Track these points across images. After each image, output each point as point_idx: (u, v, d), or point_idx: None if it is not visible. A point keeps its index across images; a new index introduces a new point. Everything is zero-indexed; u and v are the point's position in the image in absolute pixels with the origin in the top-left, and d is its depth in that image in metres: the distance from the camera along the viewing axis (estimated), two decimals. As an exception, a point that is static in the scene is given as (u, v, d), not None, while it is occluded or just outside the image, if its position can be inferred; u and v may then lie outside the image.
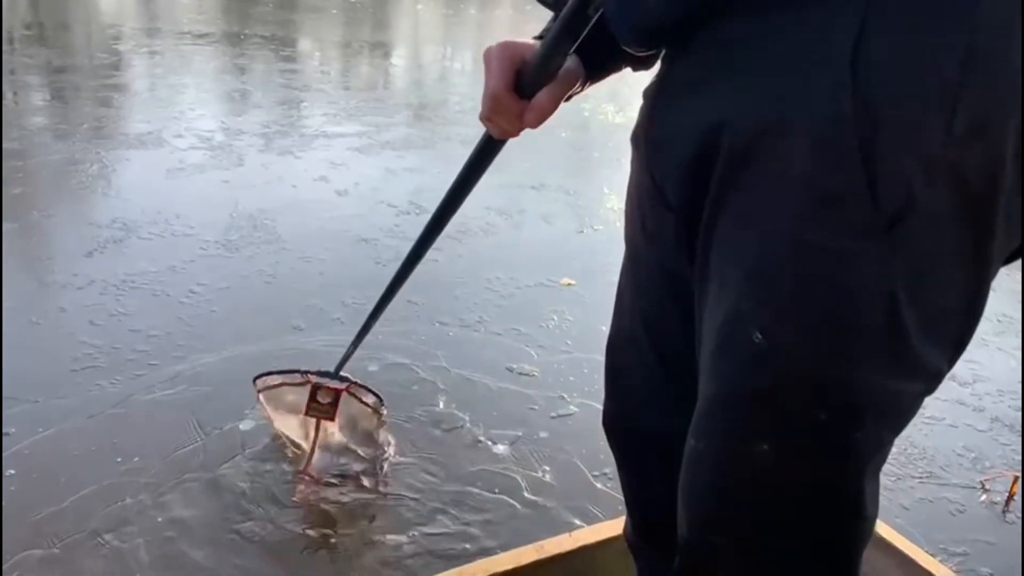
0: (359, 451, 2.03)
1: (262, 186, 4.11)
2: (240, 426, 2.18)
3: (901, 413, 0.81)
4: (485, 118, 1.03)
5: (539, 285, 3.30)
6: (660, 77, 0.92)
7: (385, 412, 2.08)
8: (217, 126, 5.09)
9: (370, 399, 2.00)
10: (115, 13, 10.18)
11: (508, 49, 0.98)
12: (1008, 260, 0.79)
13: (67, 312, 2.71)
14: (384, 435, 2.12)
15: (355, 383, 1.97)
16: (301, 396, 1.95)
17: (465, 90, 7.23)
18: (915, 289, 0.73)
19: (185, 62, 7.28)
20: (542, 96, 0.97)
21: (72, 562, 1.69)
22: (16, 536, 1.74)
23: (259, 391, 2.01)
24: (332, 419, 1.95)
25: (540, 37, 1.00)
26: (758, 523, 0.84)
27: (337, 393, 1.92)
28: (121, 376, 2.37)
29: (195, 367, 2.44)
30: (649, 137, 0.91)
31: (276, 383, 1.98)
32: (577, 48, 0.94)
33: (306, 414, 1.95)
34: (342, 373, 1.97)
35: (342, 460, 2.02)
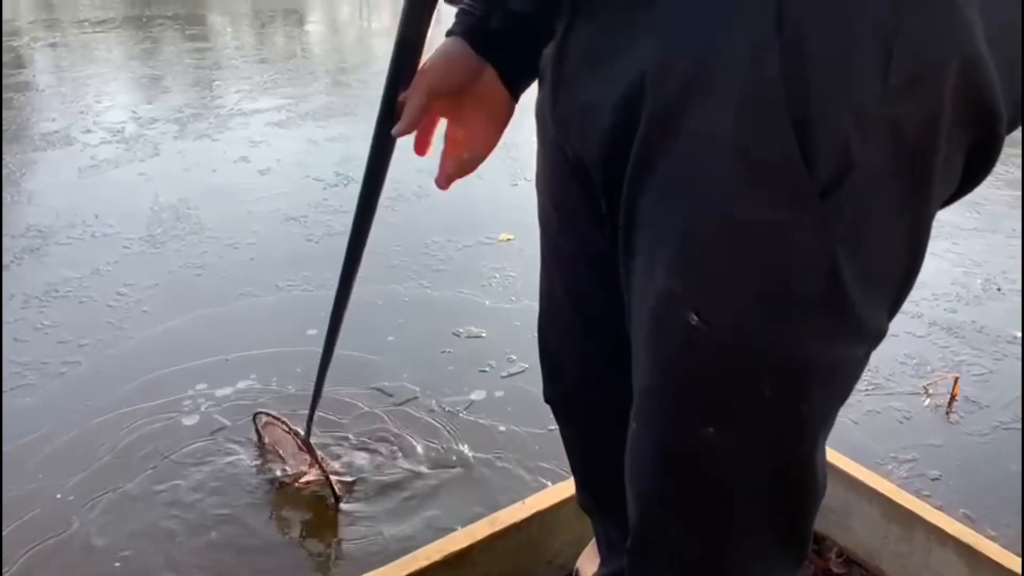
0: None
1: (181, 174, 3.96)
2: (184, 421, 2.13)
3: (848, 378, 0.79)
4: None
5: (478, 244, 3.27)
6: (559, 46, 0.85)
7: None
8: (128, 116, 4.89)
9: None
10: (8, 7, 9.65)
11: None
12: (945, 204, 0.76)
13: (-11, 331, 2.59)
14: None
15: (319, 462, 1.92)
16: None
17: (384, 49, 7.05)
18: (855, 252, 0.69)
19: (87, 52, 6.96)
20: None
21: None
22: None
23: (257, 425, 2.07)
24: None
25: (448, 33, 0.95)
26: (708, 503, 0.82)
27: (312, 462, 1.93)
28: (53, 390, 2.28)
29: (132, 371, 2.36)
30: (556, 115, 0.87)
31: (269, 422, 2.03)
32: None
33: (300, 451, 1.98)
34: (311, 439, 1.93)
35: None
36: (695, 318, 0.73)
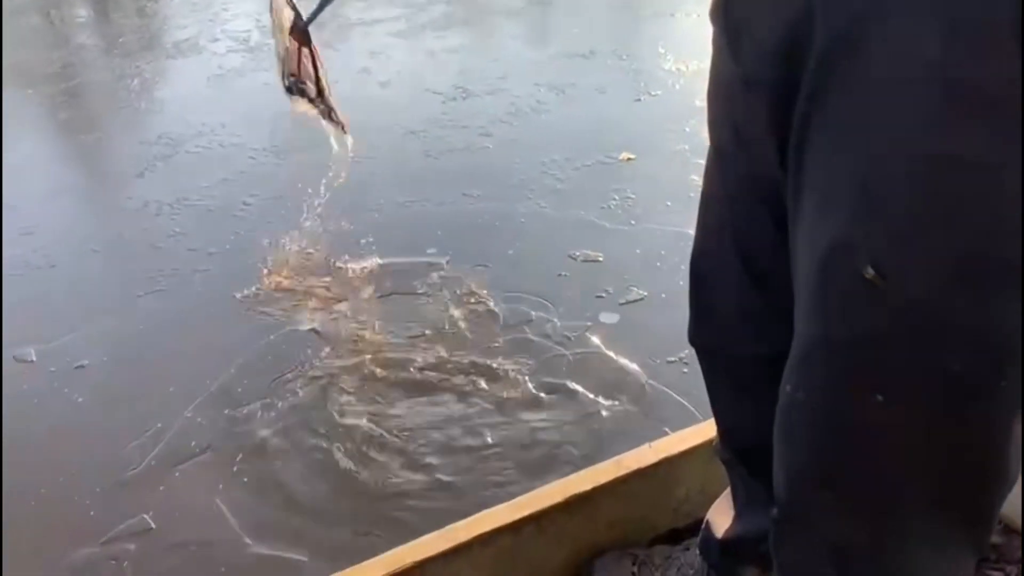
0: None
1: (304, 85, 3.98)
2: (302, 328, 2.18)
3: None
4: None
5: (597, 163, 3.15)
6: None
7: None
8: (252, 25, 4.93)
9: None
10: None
11: None
12: None
13: (125, 237, 2.70)
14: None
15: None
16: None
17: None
18: None
19: (214, -42, 7.02)
20: None
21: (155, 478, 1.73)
22: (84, 463, 1.78)
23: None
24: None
25: None
26: (870, 481, 0.73)
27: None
28: (186, 297, 2.37)
29: (253, 282, 2.42)
30: (729, 16, 0.76)
31: None
32: None
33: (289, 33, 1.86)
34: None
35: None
36: (871, 271, 0.64)
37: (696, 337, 1.04)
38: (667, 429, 1.72)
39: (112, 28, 5.20)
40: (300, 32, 1.67)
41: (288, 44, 1.74)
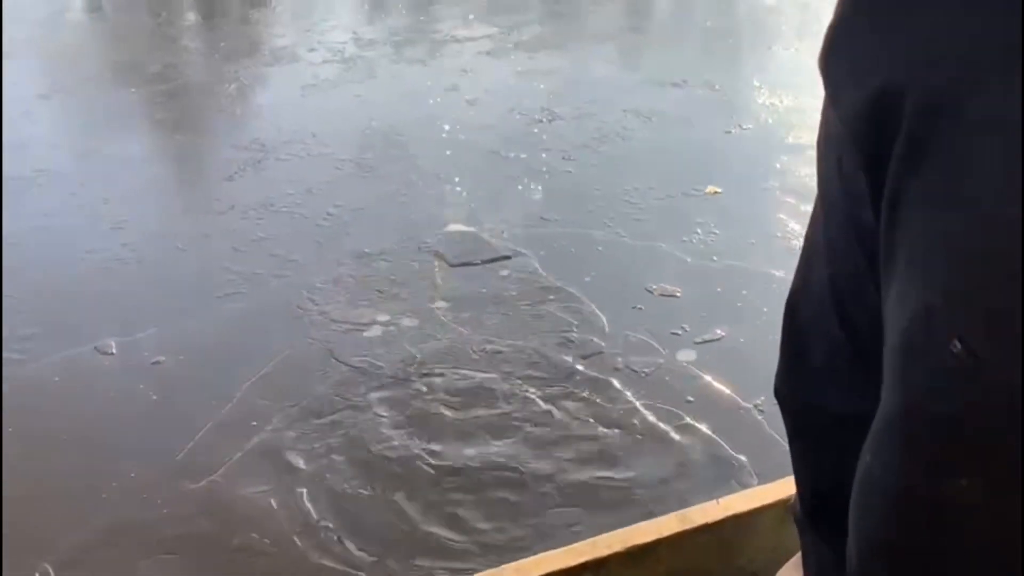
0: None
1: (394, 99, 4.04)
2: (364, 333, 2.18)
3: None
4: None
5: (681, 194, 3.09)
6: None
7: None
8: (349, 37, 5.04)
9: None
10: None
11: None
12: None
13: (210, 237, 2.77)
14: None
15: None
16: None
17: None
18: None
19: (317, -29, 7.24)
20: None
21: (217, 491, 1.75)
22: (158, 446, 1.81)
23: None
24: None
25: None
26: (944, 565, 0.68)
27: None
28: (258, 299, 2.41)
29: (326, 295, 2.44)
30: (829, 65, 0.73)
31: None
32: None
33: None
34: None
35: None
36: (958, 345, 0.59)
37: (783, 387, 0.98)
38: (735, 483, 1.65)
39: (215, 33, 5.39)
40: None
41: None
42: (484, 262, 2.59)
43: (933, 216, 0.61)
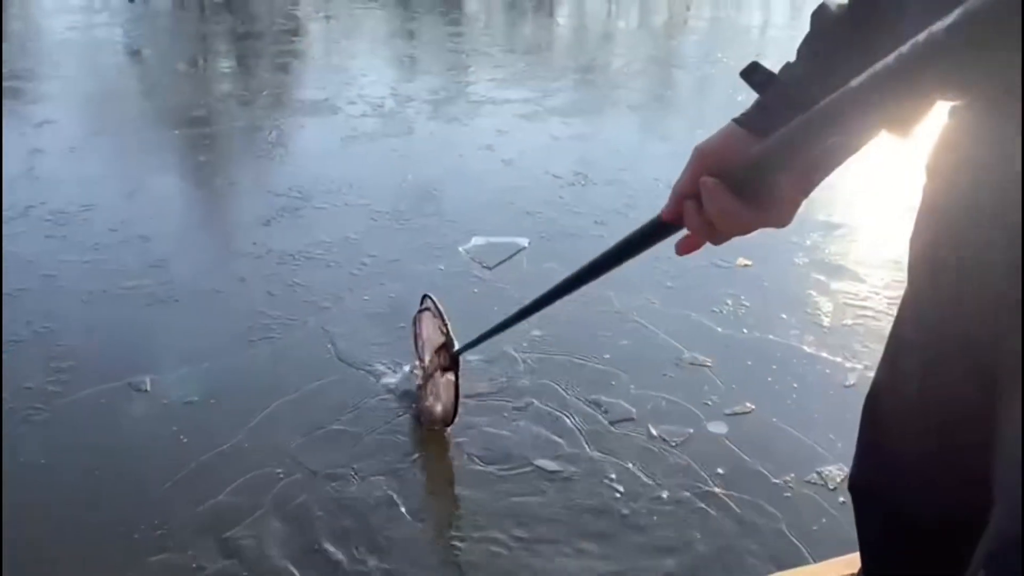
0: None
1: (430, 155, 4.12)
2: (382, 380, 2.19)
3: None
4: (692, 228, 0.85)
5: (712, 265, 3.11)
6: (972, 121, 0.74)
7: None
8: (388, 92, 5.16)
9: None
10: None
11: (713, 156, 0.81)
12: None
13: (246, 282, 2.81)
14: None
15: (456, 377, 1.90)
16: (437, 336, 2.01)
17: (631, 50, 6.98)
18: None
19: (357, 26, 7.45)
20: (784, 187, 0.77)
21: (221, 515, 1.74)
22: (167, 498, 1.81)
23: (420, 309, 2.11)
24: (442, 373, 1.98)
25: (741, 123, 0.84)
26: None
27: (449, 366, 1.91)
28: (290, 345, 2.43)
29: (360, 342, 2.46)
30: (947, 206, 0.75)
31: (429, 310, 2.07)
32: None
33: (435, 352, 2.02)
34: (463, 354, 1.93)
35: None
36: None
37: (862, 483, 0.98)
38: (772, 567, 1.63)
39: (255, 81, 5.54)
40: (450, 357, 1.85)
41: (429, 365, 1.94)
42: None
43: None
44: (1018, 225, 0.66)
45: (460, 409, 1.95)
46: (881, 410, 0.94)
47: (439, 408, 2.03)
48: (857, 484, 0.98)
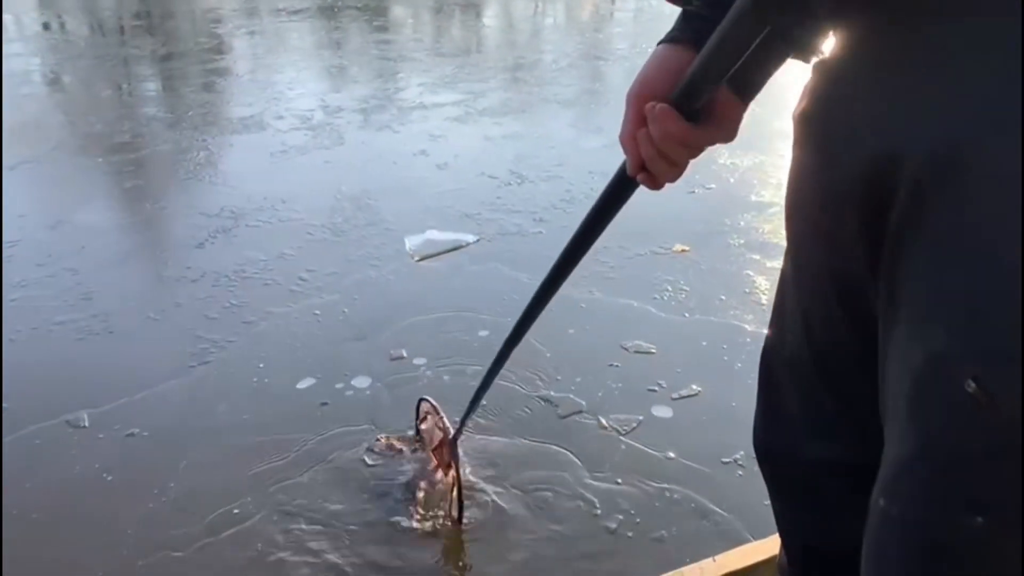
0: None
1: (363, 165, 4.09)
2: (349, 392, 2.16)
3: None
4: (647, 160, 0.87)
5: (650, 253, 3.15)
6: (846, 53, 0.75)
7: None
8: (316, 104, 5.10)
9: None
10: (214, -4, 10.39)
11: (651, 85, 0.84)
12: None
13: (182, 306, 2.75)
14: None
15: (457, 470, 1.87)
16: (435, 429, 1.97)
17: (559, 46, 7.02)
18: None
19: (282, 40, 7.35)
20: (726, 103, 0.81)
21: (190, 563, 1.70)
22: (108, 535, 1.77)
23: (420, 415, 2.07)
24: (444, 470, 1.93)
25: (671, 40, 0.86)
26: None
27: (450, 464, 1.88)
28: (236, 370, 2.38)
29: (305, 359, 2.43)
30: (820, 128, 0.76)
31: (426, 413, 2.02)
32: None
33: (432, 451, 1.97)
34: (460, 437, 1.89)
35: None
36: (972, 385, 0.61)
37: (763, 442, 1.00)
38: (726, 540, 1.65)
39: (180, 102, 5.42)
40: (449, 447, 1.82)
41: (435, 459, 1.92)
42: (460, 332, 2.60)
43: (942, 267, 0.64)
44: (875, 158, 0.69)
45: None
46: (771, 367, 0.96)
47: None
48: (758, 444, 1.00)
